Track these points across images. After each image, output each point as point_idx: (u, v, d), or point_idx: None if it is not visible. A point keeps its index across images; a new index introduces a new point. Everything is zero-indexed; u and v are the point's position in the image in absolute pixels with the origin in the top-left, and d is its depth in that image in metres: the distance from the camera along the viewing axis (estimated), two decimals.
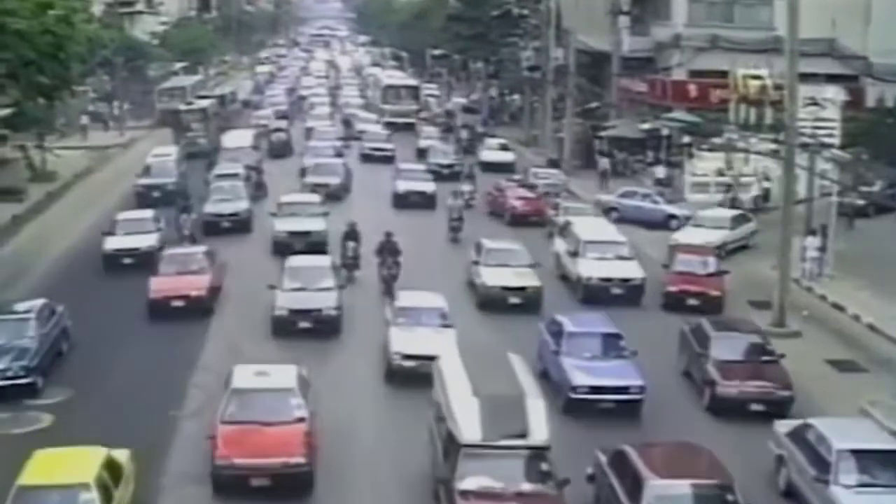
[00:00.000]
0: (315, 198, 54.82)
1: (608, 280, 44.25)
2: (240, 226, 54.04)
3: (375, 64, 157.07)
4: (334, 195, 60.52)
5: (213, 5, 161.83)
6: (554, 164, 74.90)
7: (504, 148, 79.59)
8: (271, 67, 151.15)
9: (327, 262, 42.38)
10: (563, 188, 65.19)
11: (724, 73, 64.80)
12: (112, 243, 47.74)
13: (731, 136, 61.94)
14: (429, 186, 62.10)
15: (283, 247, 47.98)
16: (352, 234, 46.17)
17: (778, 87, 54.39)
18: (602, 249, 45.77)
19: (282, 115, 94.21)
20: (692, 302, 43.07)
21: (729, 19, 72.97)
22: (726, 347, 34.27)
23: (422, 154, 76.21)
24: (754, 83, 61.38)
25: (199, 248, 45.06)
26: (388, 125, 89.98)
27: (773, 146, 49.33)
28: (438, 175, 66.93)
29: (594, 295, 43.59)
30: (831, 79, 60.18)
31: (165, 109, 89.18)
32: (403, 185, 62.11)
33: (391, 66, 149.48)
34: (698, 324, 36.30)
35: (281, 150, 78.50)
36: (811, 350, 38.70)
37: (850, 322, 42.59)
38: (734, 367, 33.53)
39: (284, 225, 50.18)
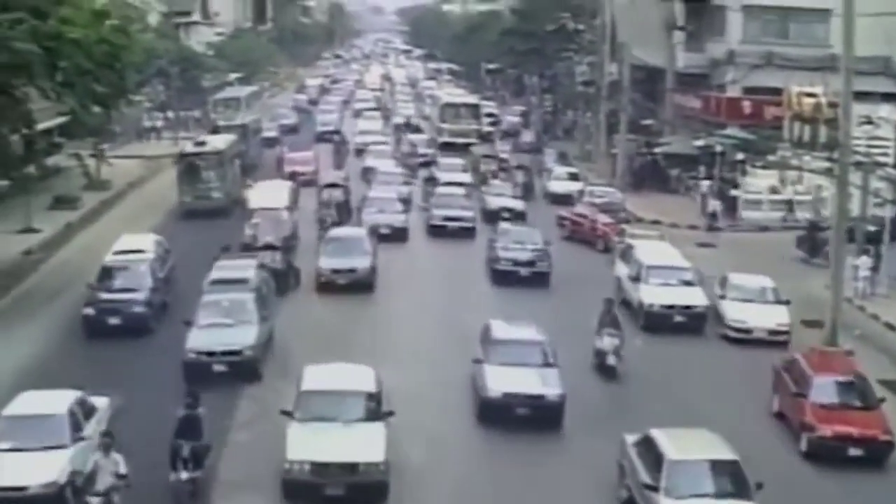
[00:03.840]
0: (366, 375, 30.16)
1: (670, 307, 42.21)
2: (242, 371, 34.70)
3: (430, 78, 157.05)
4: (361, 283, 45.85)
5: (269, 16, 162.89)
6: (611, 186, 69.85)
7: (573, 177, 72.80)
8: (322, 80, 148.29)
9: None
10: (620, 207, 62.74)
11: (778, 91, 64.60)
12: None
13: (785, 154, 61.70)
14: (550, 386, 32.48)
15: (305, 491, 26.69)
16: None
17: (832, 105, 54.04)
18: (665, 275, 43.81)
19: (331, 133, 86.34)
20: (854, 452, 30.48)
21: (784, 36, 72.62)
22: None
23: (492, 218, 58.22)
24: (809, 101, 61.12)
25: None
26: (447, 145, 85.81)
27: (826, 164, 49.03)
28: (510, 276, 47.95)
29: (656, 322, 42.03)
30: (886, 97, 59.66)
31: (182, 153, 65.00)
32: (497, 382, 32.46)
33: (446, 80, 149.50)
34: None
35: (337, 217, 54.98)
36: (864, 370, 38.36)
37: None
38: None
39: (307, 446, 27.10)
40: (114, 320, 38.75)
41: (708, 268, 47.41)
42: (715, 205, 61.65)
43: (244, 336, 35.20)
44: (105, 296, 39.56)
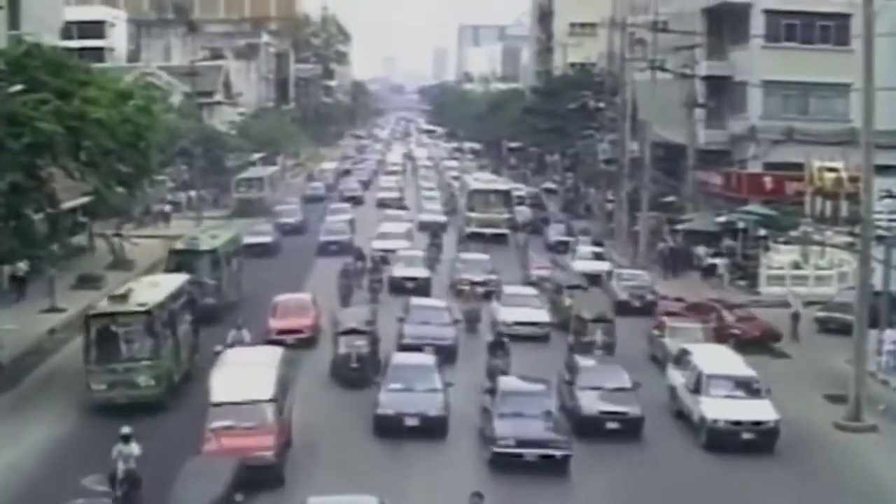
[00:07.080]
0: None
1: (738, 423, 36.55)
2: None
3: (452, 157, 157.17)
4: None
5: (291, 96, 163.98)
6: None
7: (598, 257, 70.32)
8: (338, 163, 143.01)
9: None
10: (649, 290, 59.86)
11: (799, 166, 64.65)
12: None
13: (807, 229, 61.65)
14: None
15: None
16: None
17: (853, 180, 54.15)
18: (728, 385, 38.27)
19: (339, 243, 72.23)
20: None
21: (804, 111, 72.71)
22: None
23: (588, 429, 37.35)
24: (830, 175, 61.16)
25: None
26: (475, 236, 78.74)
27: (849, 239, 49.03)
28: None
29: (721, 441, 36.54)
30: None
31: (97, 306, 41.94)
32: None
33: (468, 160, 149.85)
34: None
35: (358, 377, 41.23)
36: (888, 445, 38.14)
37: None
38: None
39: None
40: None
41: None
42: (794, 302, 57.02)
43: None
44: None
